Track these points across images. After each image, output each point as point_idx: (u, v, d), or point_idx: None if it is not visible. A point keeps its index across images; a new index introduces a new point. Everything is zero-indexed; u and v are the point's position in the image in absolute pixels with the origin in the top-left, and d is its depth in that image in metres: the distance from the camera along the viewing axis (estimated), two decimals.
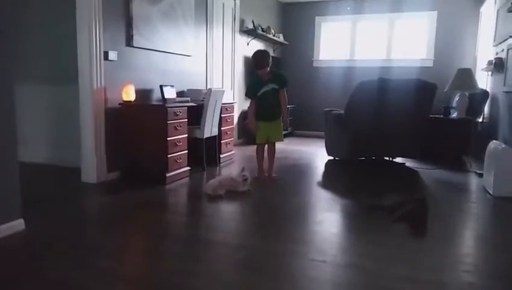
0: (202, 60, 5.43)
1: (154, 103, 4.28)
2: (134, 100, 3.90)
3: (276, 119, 3.94)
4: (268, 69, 3.81)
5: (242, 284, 1.87)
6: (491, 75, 5.52)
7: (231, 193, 3.40)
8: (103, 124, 3.76)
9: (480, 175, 4.07)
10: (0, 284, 1.84)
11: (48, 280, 1.87)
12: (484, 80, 5.78)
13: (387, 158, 5.15)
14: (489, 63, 5.29)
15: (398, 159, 5.13)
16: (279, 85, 3.84)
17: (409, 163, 4.99)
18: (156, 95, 4.34)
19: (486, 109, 5.63)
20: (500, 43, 4.94)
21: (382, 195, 3.20)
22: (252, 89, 3.96)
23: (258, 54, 3.88)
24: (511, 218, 3.01)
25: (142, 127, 3.78)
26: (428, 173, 4.52)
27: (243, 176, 3.48)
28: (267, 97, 3.83)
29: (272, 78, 3.84)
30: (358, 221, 2.91)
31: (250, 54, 6.79)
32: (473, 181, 4.13)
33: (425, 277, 1.96)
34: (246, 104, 6.91)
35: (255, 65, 3.85)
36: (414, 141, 4.76)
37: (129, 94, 3.85)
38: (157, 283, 1.87)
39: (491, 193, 3.49)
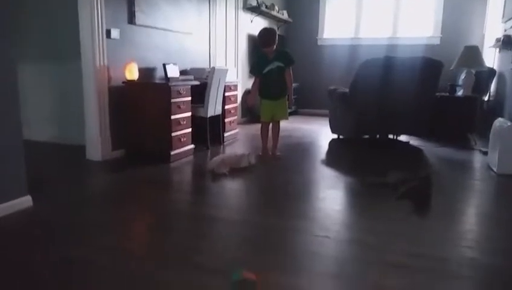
0: (205, 38, 5.37)
1: (157, 81, 4.26)
2: (138, 79, 3.89)
3: (281, 98, 3.94)
4: (275, 47, 3.79)
5: (245, 260, 1.90)
6: (499, 52, 5.43)
7: (235, 170, 3.42)
8: (107, 103, 3.76)
9: (485, 153, 4.05)
10: (9, 258, 1.88)
11: (56, 255, 1.91)
12: (491, 58, 5.68)
13: (391, 136, 5.14)
14: (497, 40, 5.19)
15: (403, 137, 5.12)
16: (284, 63, 3.82)
17: (413, 141, 4.98)
18: (159, 73, 4.31)
19: (492, 86, 5.56)
20: (509, 19, 4.84)
21: (386, 173, 3.20)
22: (257, 66, 3.94)
23: (265, 32, 3.84)
24: None
25: (145, 106, 3.78)
26: (432, 151, 4.51)
27: (248, 154, 3.55)
28: (272, 75, 3.81)
29: (277, 56, 3.82)
30: (361, 198, 2.93)
31: (253, 31, 6.74)
32: (478, 159, 4.13)
33: (427, 252, 1.99)
34: (249, 83, 6.87)
35: (261, 43, 3.81)
36: (419, 119, 4.73)
37: (132, 73, 3.83)
38: (162, 259, 1.90)
39: (495, 170, 3.48)
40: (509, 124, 3.51)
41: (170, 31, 4.54)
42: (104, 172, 3.49)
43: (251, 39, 6.75)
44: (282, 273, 1.75)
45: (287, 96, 3.97)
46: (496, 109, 5.30)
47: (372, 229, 2.30)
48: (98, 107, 3.68)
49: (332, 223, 2.42)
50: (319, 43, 7.89)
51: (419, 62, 4.54)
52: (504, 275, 1.79)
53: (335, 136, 5.26)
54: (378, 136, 5.11)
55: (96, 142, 3.72)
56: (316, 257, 1.95)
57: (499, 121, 3.69)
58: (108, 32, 3.68)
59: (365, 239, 2.16)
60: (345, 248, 2.08)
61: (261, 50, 3.88)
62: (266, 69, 3.81)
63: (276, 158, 4.00)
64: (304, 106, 7.90)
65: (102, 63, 3.65)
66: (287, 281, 1.69)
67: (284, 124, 7.41)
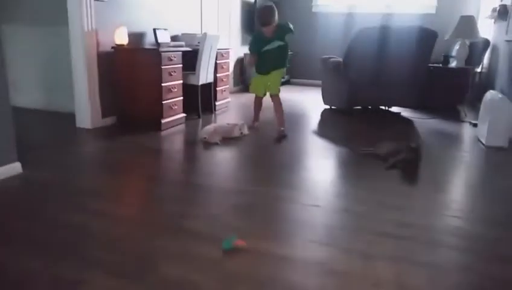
0: (197, 2, 5.21)
1: (148, 47, 4.16)
2: (127, 44, 3.79)
3: (274, 71, 3.75)
4: (275, 25, 3.55)
5: (236, 226, 1.92)
6: (494, 23, 5.38)
7: (226, 140, 3.41)
8: (96, 68, 3.67)
9: (475, 125, 4.09)
10: (1, 223, 1.88)
11: (46, 220, 1.92)
12: (487, 29, 5.63)
13: (383, 107, 5.14)
14: (494, 10, 5.13)
15: (394, 109, 5.13)
16: (286, 40, 3.67)
17: (404, 112, 4.99)
18: (149, 38, 4.20)
19: (486, 58, 5.54)
20: None
21: (376, 144, 3.23)
22: (254, 45, 3.71)
23: (263, 10, 3.59)
24: (501, 167, 3.07)
25: (135, 72, 3.70)
26: (423, 122, 4.54)
27: (241, 124, 3.54)
28: (271, 55, 3.64)
29: (278, 35, 3.61)
30: (352, 168, 2.96)
31: None
32: (467, 131, 4.17)
33: (414, 221, 2.03)
34: (242, 50, 6.77)
35: (260, 22, 3.57)
36: (411, 91, 4.73)
37: (122, 37, 3.72)
38: (154, 225, 1.93)
39: (484, 142, 3.53)
40: (500, 96, 3.53)
41: None
42: (94, 139, 3.45)
43: (244, 6, 6.58)
44: (272, 241, 1.79)
45: (282, 69, 3.80)
46: (488, 81, 5.31)
47: (361, 198, 2.34)
48: (87, 73, 3.60)
49: (323, 192, 2.45)
50: (314, 9, 7.72)
51: (414, 32, 4.49)
52: (488, 243, 1.85)
53: (327, 106, 5.25)
54: (370, 107, 5.11)
55: (86, 110, 3.67)
56: (306, 226, 1.99)
57: (490, 94, 3.70)
58: None
59: (354, 208, 2.20)
60: (334, 217, 2.12)
61: (259, 28, 3.65)
62: (264, 49, 3.62)
63: (281, 134, 3.71)
64: (297, 75, 7.83)
65: (90, 27, 3.53)
66: (277, 249, 1.73)
67: None
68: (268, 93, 3.83)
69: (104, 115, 3.80)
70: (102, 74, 3.73)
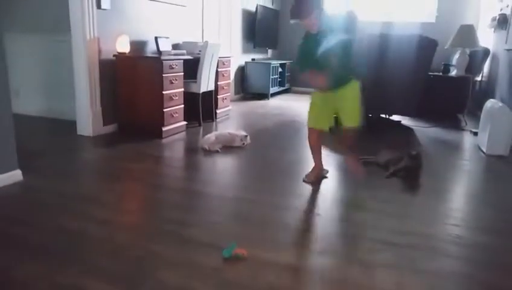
0: (198, 11, 5.25)
1: (149, 55, 4.18)
2: (129, 52, 3.81)
3: (344, 85, 2.48)
4: (315, 18, 2.37)
5: (236, 234, 1.92)
6: (494, 32, 5.40)
7: (227, 148, 3.42)
8: (98, 76, 3.69)
9: (475, 134, 4.09)
10: (3, 229, 1.88)
11: (46, 227, 1.92)
12: (487, 38, 5.66)
13: (383, 115, 5.15)
14: (493, 19, 5.16)
15: (395, 117, 5.14)
16: (341, 32, 2.36)
17: (405, 121, 5.00)
18: (151, 47, 4.23)
19: (486, 67, 5.56)
20: None
21: (377, 152, 3.22)
22: (303, 57, 2.53)
23: None
24: (502, 176, 3.06)
25: (137, 80, 3.72)
26: (423, 130, 4.54)
27: (243, 135, 3.52)
28: (329, 59, 2.38)
29: (327, 27, 2.38)
30: (352, 177, 2.95)
31: (248, 6, 6.60)
32: (468, 139, 4.17)
33: (414, 229, 2.03)
34: (243, 58, 6.80)
35: (291, 16, 2.53)
36: (412, 99, 4.73)
37: (123, 45, 3.75)
38: (154, 232, 1.92)
39: (484, 151, 3.52)
40: (500, 105, 3.53)
41: (163, 2, 4.43)
42: (95, 147, 3.46)
43: (246, 14, 6.63)
44: (272, 250, 1.78)
45: (355, 82, 2.51)
46: (488, 89, 5.32)
47: (365, 209, 2.33)
48: (89, 80, 3.61)
49: (323, 200, 2.45)
50: None
51: (414, 40, 4.50)
52: (489, 252, 1.84)
53: None
54: (370, 115, 5.11)
55: (87, 117, 3.68)
56: (307, 234, 1.98)
57: (490, 102, 3.71)
58: (98, 2, 3.57)
59: (354, 217, 2.19)
60: (334, 225, 2.11)
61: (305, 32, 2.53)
62: (319, 54, 2.35)
63: (355, 166, 2.77)
64: (298, 83, 7.85)
65: (92, 35, 3.56)
66: (277, 257, 1.72)
67: (276, 102, 7.39)
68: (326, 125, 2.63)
69: (105, 123, 3.81)
70: (104, 81, 3.75)
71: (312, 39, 2.41)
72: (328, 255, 1.76)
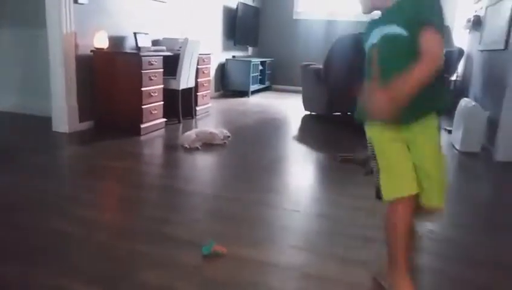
0: (178, 7, 5.20)
1: (128, 51, 4.12)
2: (107, 48, 3.75)
3: (425, 117, 1.37)
4: None
5: (217, 232, 1.92)
6: (469, 33, 5.55)
7: (208, 145, 3.41)
8: (74, 72, 3.61)
9: (450, 132, 4.21)
10: None
11: (23, 226, 1.87)
12: (462, 38, 5.82)
13: None
14: (468, 20, 5.30)
15: None
16: (408, 26, 1.27)
17: None
18: (130, 43, 4.17)
19: (460, 67, 5.72)
20: (480, 0, 4.94)
21: (355, 149, 3.28)
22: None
23: None
24: (474, 172, 3.17)
25: (115, 76, 3.66)
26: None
27: (226, 134, 3.51)
28: (385, 55, 1.33)
29: (394, 12, 1.33)
30: (331, 173, 3.00)
31: (229, 3, 6.58)
32: (442, 137, 4.27)
33: None
34: (223, 56, 6.78)
35: None
36: None
37: (101, 41, 3.68)
38: (134, 231, 1.90)
39: (458, 148, 3.63)
40: (473, 104, 3.64)
41: None
42: (71, 144, 3.39)
43: (227, 11, 6.61)
44: (252, 247, 1.79)
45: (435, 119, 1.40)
46: (463, 89, 5.47)
47: (340, 203, 2.37)
48: (65, 76, 3.53)
49: (302, 197, 2.47)
50: (295, 17, 7.81)
51: None
52: (460, 247, 1.91)
53: (307, 112, 5.31)
54: (349, 113, 5.19)
55: (63, 113, 3.60)
56: (285, 231, 2.00)
57: (464, 101, 3.82)
58: None
59: (333, 213, 2.23)
60: (313, 221, 2.14)
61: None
62: (367, 46, 1.42)
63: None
64: (278, 81, 7.89)
65: (69, 30, 3.48)
66: (257, 254, 1.73)
67: (257, 99, 7.42)
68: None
69: (81, 120, 3.74)
70: (81, 77, 3.67)
71: (371, 26, 1.40)
72: (306, 251, 1.79)
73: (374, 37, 1.36)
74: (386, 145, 1.44)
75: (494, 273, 1.70)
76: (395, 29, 1.29)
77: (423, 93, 1.23)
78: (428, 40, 1.23)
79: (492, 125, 3.54)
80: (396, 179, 1.38)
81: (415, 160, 1.37)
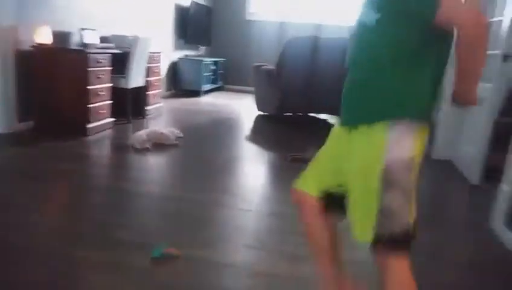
0: (128, 4, 5.05)
1: (74, 47, 3.94)
2: (52, 43, 3.55)
3: (366, 123, 1.08)
4: None
5: (170, 234, 1.90)
6: None
7: (160, 146, 3.34)
8: (13, 68, 3.39)
9: None
10: None
11: None
12: None
13: (312, 114, 5.38)
14: None
15: (323, 116, 5.39)
16: (388, 7, 1.01)
17: (331, 119, 5.27)
18: (76, 39, 3.98)
19: None
20: None
21: (304, 148, 3.37)
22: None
23: None
24: (444, 178, 3.28)
25: (58, 74, 3.49)
26: None
27: (177, 134, 3.46)
28: (355, 47, 1.18)
29: None
30: (282, 172, 3.06)
31: (181, 1, 6.48)
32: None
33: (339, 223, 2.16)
34: (175, 55, 6.67)
35: None
36: (340, 99, 4.99)
37: (44, 36, 3.49)
38: (81, 235, 1.83)
39: (430, 155, 3.69)
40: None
41: None
42: (9, 145, 3.18)
43: (179, 9, 6.51)
44: (205, 247, 1.79)
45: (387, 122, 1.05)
46: None
47: (290, 202, 2.42)
48: (1, 72, 3.31)
49: (254, 197, 2.50)
50: (247, 18, 7.85)
51: (343, 43, 4.75)
52: (426, 246, 2.02)
53: (260, 112, 5.37)
54: (300, 114, 5.32)
55: None
56: (238, 230, 2.02)
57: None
58: None
59: (284, 211, 2.27)
60: (265, 220, 2.18)
61: None
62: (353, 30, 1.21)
63: None
64: (231, 82, 7.89)
65: (8, 24, 3.26)
66: (209, 254, 1.73)
67: (209, 99, 7.39)
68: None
69: (20, 120, 3.51)
70: (21, 74, 3.45)
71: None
72: (258, 250, 1.82)
73: (362, 17, 1.10)
74: (328, 138, 1.35)
75: (430, 267, 1.82)
76: (373, 13, 1.02)
77: (358, 90, 1.08)
78: (449, 6, 0.92)
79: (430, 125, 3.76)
80: (304, 172, 1.34)
81: (345, 169, 1.17)
